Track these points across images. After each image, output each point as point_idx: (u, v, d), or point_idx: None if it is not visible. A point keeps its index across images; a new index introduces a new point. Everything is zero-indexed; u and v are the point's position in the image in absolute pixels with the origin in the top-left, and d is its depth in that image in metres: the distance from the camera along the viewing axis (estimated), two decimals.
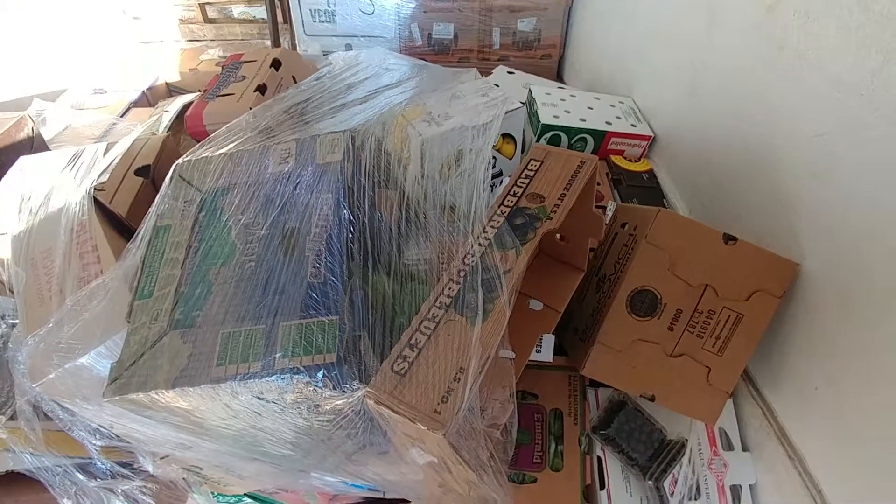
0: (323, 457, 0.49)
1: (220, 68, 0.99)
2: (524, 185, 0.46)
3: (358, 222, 0.44)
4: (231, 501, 0.76)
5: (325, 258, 0.42)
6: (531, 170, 0.47)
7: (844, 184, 0.51)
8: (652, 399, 0.57)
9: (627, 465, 0.60)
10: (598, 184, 0.83)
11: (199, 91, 1.12)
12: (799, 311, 0.57)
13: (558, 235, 0.59)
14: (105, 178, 0.72)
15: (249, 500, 0.76)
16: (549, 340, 0.62)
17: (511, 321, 0.58)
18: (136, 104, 1.28)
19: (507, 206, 0.45)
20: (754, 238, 0.57)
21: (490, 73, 1.08)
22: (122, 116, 1.20)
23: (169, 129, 1.01)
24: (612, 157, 0.85)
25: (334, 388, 0.37)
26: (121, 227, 0.68)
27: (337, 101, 0.72)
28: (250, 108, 0.77)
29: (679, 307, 0.56)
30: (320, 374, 0.37)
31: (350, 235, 0.44)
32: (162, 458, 0.59)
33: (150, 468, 0.59)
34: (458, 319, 0.38)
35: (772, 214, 0.61)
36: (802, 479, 0.55)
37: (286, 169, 0.50)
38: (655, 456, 0.60)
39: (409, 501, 0.73)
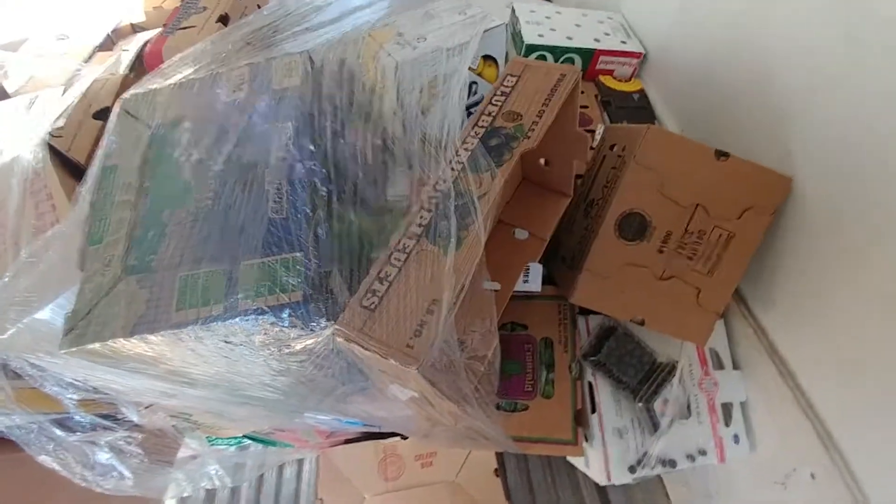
0: (305, 397, 0.48)
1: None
2: (500, 103, 0.42)
3: (320, 151, 0.41)
4: (231, 444, 0.77)
5: (287, 192, 0.39)
6: (507, 86, 0.43)
7: (841, 99, 0.47)
8: (642, 323, 0.56)
9: (618, 388, 0.60)
10: (586, 106, 0.78)
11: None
12: (790, 228, 0.54)
13: (543, 160, 0.55)
14: (62, 123, 0.67)
15: (249, 441, 0.78)
16: (536, 270, 0.60)
17: (496, 252, 0.55)
18: (101, 48, 1.19)
19: (482, 127, 0.41)
20: (747, 155, 0.53)
21: None
22: (87, 62, 1.12)
23: (131, 70, 0.94)
24: (602, 78, 0.79)
25: (302, 328, 0.35)
26: (80, 174, 0.64)
27: (302, 25, 0.66)
28: None
29: (669, 229, 0.54)
30: (286, 314, 0.35)
31: (313, 166, 0.40)
32: (147, 408, 0.58)
33: (134, 418, 0.58)
34: (430, 249, 0.36)
35: (765, 131, 0.58)
36: (794, 395, 0.55)
37: (240, 97, 0.46)
38: (646, 379, 0.60)
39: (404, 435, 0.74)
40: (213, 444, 0.73)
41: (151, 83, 0.50)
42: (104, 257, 0.40)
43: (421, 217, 0.37)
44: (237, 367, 0.41)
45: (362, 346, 0.33)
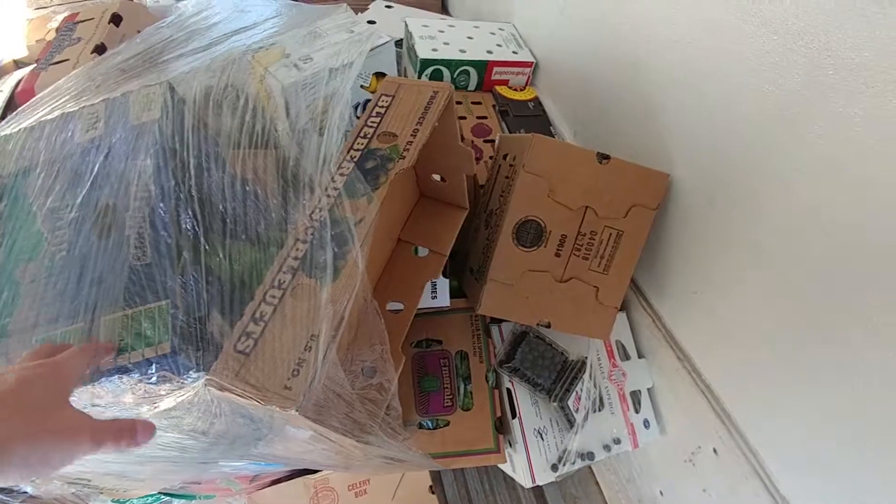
0: (206, 449, 0.45)
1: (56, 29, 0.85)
2: (374, 125, 0.42)
3: (185, 188, 0.39)
4: (147, 502, 0.71)
5: (149, 235, 0.37)
6: (382, 106, 0.43)
7: (700, 87, 0.51)
8: (548, 326, 0.58)
9: (535, 391, 0.62)
10: (485, 117, 0.80)
11: None
12: (673, 219, 0.58)
13: (438, 176, 0.56)
14: None
15: (167, 497, 0.72)
16: (444, 285, 0.60)
17: (398, 271, 0.55)
18: None
19: (357, 150, 0.41)
20: (631, 155, 0.57)
21: (367, 9, 0.99)
22: None
23: (4, 112, 0.86)
24: (497, 88, 0.81)
25: (173, 382, 0.33)
26: None
27: (176, 51, 0.62)
28: None
29: (563, 232, 0.56)
30: (153, 370, 0.32)
31: (177, 205, 0.38)
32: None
33: (28, 489, 0.53)
34: (306, 283, 0.35)
35: (643, 128, 0.61)
36: (692, 378, 0.58)
37: (95, 135, 0.42)
38: (558, 378, 0.62)
39: None
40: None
41: (5, 129, 0.45)
42: None
43: (297, 249, 0.36)
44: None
45: (237, 394, 0.31)
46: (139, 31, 0.86)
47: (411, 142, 0.40)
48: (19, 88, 0.78)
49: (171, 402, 0.34)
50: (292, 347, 0.32)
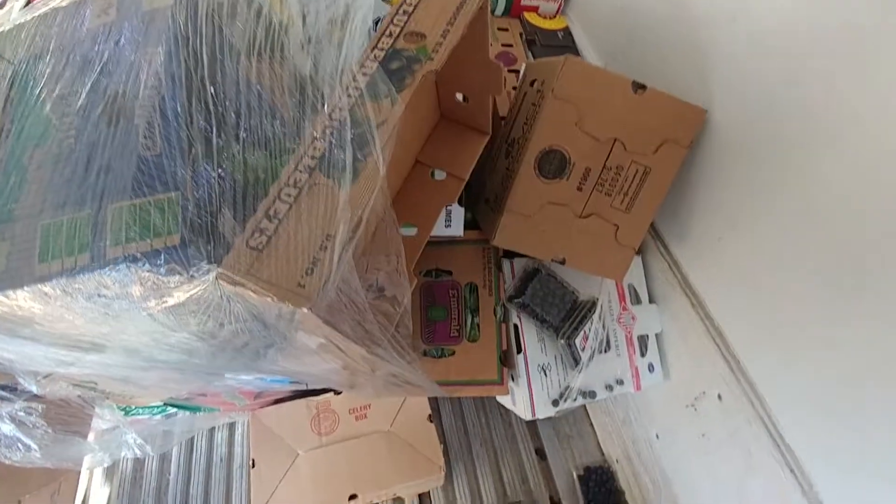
0: (214, 355, 0.45)
1: None
2: (401, 24, 0.39)
3: (197, 79, 0.36)
4: (154, 412, 0.73)
5: (159, 125, 0.35)
6: (410, 4, 0.39)
7: (755, 19, 0.47)
8: (562, 262, 0.56)
9: (542, 328, 0.61)
10: (511, 45, 0.75)
11: None
12: (704, 159, 0.55)
13: (460, 96, 0.53)
14: None
15: (174, 408, 0.74)
16: (458, 214, 0.59)
17: (414, 193, 0.53)
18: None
19: (382, 49, 0.38)
20: (665, 86, 0.53)
21: None
22: None
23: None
24: (526, 15, 0.76)
25: (182, 274, 0.31)
26: None
27: None
28: None
29: (588, 165, 0.54)
30: (162, 260, 0.31)
31: (187, 95, 0.35)
32: (45, 377, 0.53)
33: (33, 388, 0.53)
34: (324, 182, 0.33)
35: (684, 62, 0.57)
36: (704, 324, 0.58)
37: (106, 22, 0.39)
38: (567, 317, 0.61)
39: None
40: (131, 415, 0.69)
41: (20, 18, 0.42)
42: None
43: (314, 148, 0.34)
44: (124, 325, 0.37)
45: (250, 290, 0.30)
46: None
47: (441, 43, 0.37)
48: None
49: (180, 296, 0.33)
50: (307, 246, 0.31)
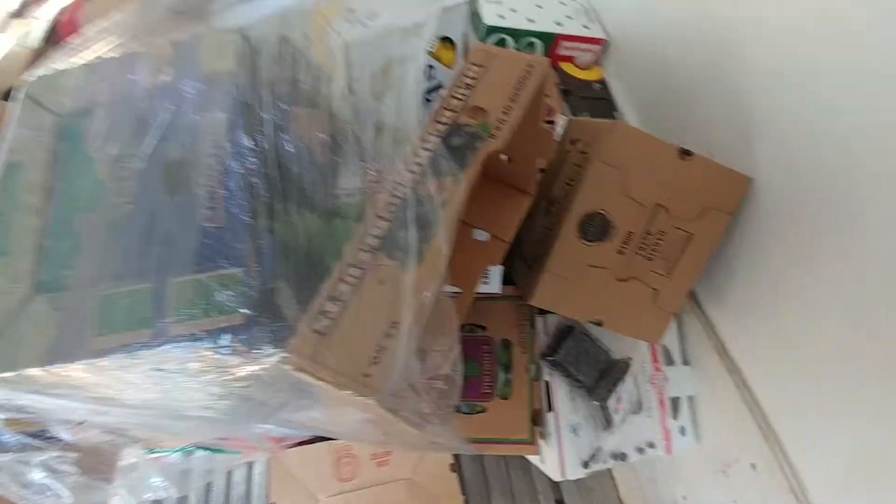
0: (251, 415, 0.44)
1: None
2: (463, 97, 0.39)
3: (260, 148, 0.36)
4: (174, 451, 0.72)
5: (222, 196, 0.34)
6: (471, 77, 0.40)
7: (807, 86, 0.47)
8: (599, 324, 0.56)
9: (575, 387, 0.60)
10: (547, 95, 0.76)
11: None
12: (748, 225, 0.55)
13: (506, 156, 0.53)
14: None
15: (196, 450, 0.73)
16: (496, 271, 0.58)
17: (455, 254, 0.53)
18: (17, 15, 1.03)
19: (443, 124, 0.38)
20: (706, 149, 0.53)
21: None
22: None
23: (46, 41, 0.82)
24: (562, 65, 0.77)
25: (244, 354, 0.31)
26: None
27: None
28: None
29: (630, 229, 0.53)
30: (225, 340, 0.31)
31: (252, 166, 0.35)
32: (78, 424, 0.53)
33: (66, 437, 0.53)
34: (388, 264, 0.33)
35: (728, 124, 0.57)
36: (739, 390, 0.57)
37: (163, 81, 0.40)
38: (601, 377, 0.60)
39: None
40: (153, 453, 0.68)
41: (60, 62, 0.43)
42: (11, 272, 0.34)
43: (377, 227, 0.34)
44: (172, 392, 0.36)
45: (314, 376, 0.30)
46: None
47: (503, 120, 0.37)
48: (62, 18, 0.74)
49: (239, 373, 0.32)
50: (372, 332, 0.30)
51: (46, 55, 0.73)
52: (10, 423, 0.52)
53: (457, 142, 0.37)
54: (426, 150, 0.37)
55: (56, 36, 0.84)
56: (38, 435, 0.51)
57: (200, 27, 0.47)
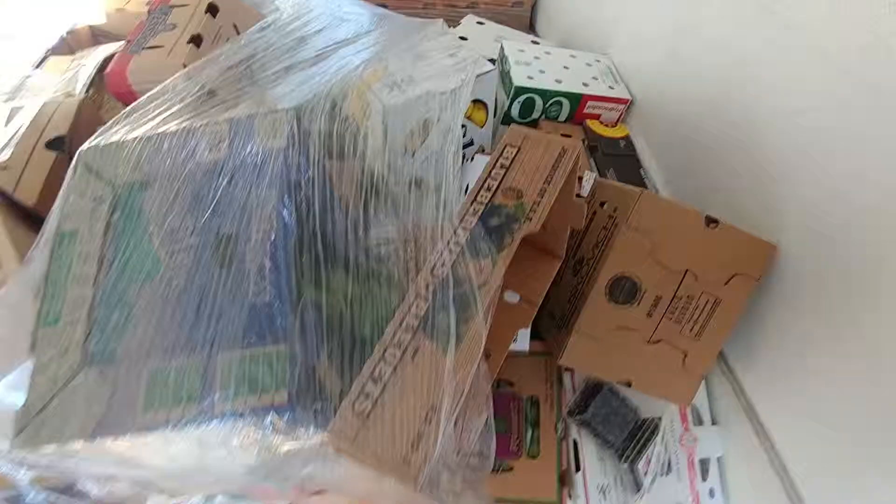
0: (283, 480, 0.45)
1: (147, 10, 0.84)
2: (499, 178, 0.40)
3: (307, 225, 0.38)
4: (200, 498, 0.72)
5: (270, 271, 0.36)
6: (507, 158, 0.41)
7: (828, 161, 0.48)
8: (628, 385, 0.56)
9: (603, 447, 0.60)
10: (580, 176, 0.77)
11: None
12: (775, 290, 0.55)
13: None
14: (7, 153, 0.60)
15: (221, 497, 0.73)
16: (524, 331, 0.59)
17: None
18: (54, 52, 1.07)
19: (481, 203, 0.39)
20: (731, 214, 0.54)
21: (458, 24, 0.97)
22: (38, 67, 1.00)
23: (89, 89, 0.86)
24: (589, 122, 0.79)
25: (287, 433, 0.32)
26: (28, 216, 0.58)
27: (284, 61, 0.62)
28: (184, 65, 0.66)
29: (658, 293, 0.54)
30: (269, 419, 0.32)
31: (299, 242, 0.37)
32: (107, 479, 0.54)
33: (94, 491, 0.54)
34: (427, 346, 0.33)
35: (751, 192, 0.58)
36: (767, 454, 0.56)
37: (218, 157, 0.42)
38: (630, 437, 0.60)
39: None
40: (175, 498, 0.69)
41: (115, 133, 0.45)
42: (61, 342, 0.36)
43: (417, 307, 0.35)
44: (209, 463, 0.37)
45: (355, 459, 0.30)
46: (235, 25, 0.86)
47: (538, 202, 0.39)
48: (109, 69, 0.77)
49: (279, 450, 0.33)
50: (412, 417, 0.31)
51: (97, 101, 0.76)
52: (36, 480, 0.53)
53: (494, 223, 0.38)
54: (465, 229, 0.38)
55: (101, 83, 0.88)
56: (66, 491, 0.52)
57: (254, 96, 0.49)
